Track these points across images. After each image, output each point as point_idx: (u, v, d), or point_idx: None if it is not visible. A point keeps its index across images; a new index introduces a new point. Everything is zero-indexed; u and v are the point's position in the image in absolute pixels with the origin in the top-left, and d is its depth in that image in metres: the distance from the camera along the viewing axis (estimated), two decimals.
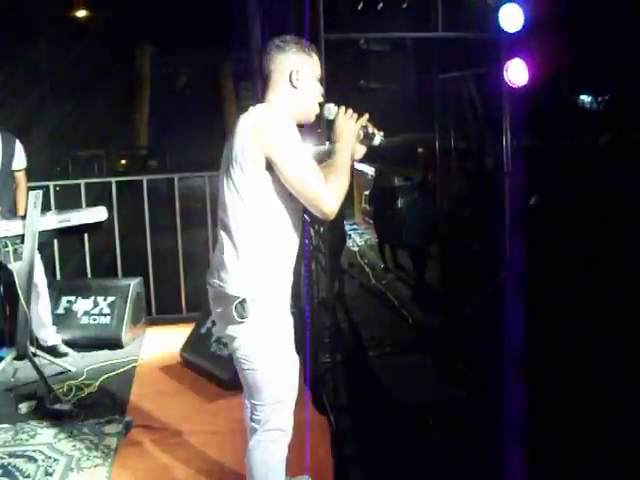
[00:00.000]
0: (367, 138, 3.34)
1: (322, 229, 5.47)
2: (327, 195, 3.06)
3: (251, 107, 3.26)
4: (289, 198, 3.17)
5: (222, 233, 3.24)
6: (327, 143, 3.36)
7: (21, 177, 6.04)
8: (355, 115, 3.25)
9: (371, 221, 11.54)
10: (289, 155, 3.06)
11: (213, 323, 5.73)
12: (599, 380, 5.20)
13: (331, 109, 3.28)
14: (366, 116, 3.28)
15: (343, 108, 3.26)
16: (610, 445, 4.37)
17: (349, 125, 3.23)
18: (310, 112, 3.34)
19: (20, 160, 6.01)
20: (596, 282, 7.06)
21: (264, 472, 3.40)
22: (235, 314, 3.17)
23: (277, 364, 3.31)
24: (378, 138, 3.35)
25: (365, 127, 3.31)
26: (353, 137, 3.25)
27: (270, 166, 3.08)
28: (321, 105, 3.34)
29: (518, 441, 3.89)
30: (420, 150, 12.18)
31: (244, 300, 3.16)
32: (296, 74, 3.23)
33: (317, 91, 3.32)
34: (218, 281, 3.25)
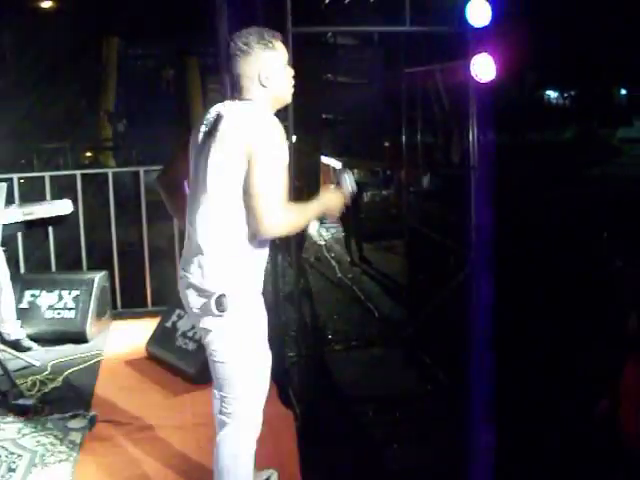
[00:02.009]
0: (342, 182, 3.45)
1: None
2: (278, 218, 3.10)
3: (228, 101, 3.33)
4: None
5: (196, 226, 3.26)
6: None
7: None
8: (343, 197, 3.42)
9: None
10: (268, 168, 3.08)
11: (179, 317, 5.72)
12: (568, 372, 5.25)
13: (348, 181, 3.45)
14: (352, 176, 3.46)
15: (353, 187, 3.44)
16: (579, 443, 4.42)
17: (338, 201, 3.40)
18: (284, 100, 3.41)
19: None
20: (562, 272, 7.13)
21: (233, 465, 3.41)
22: (213, 308, 3.19)
23: (250, 358, 3.34)
24: (350, 188, 3.47)
25: (347, 174, 3.47)
26: (334, 211, 3.41)
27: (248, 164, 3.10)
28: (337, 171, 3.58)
29: (485, 434, 3.91)
30: (387, 144, 12.18)
31: (223, 295, 3.18)
32: (265, 73, 3.25)
33: (287, 77, 3.36)
34: (195, 275, 3.26)
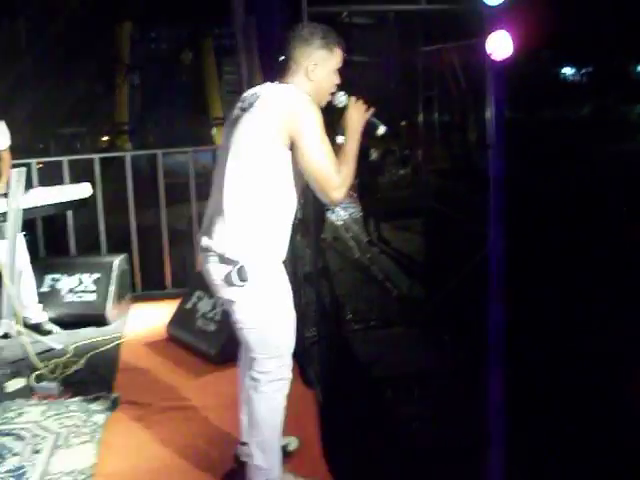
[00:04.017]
0: (372, 128, 3.53)
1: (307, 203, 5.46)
2: (338, 185, 3.28)
3: (267, 83, 3.47)
4: (299, 174, 3.35)
5: (223, 200, 3.35)
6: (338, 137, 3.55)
7: (5, 155, 6.07)
8: (364, 106, 3.47)
9: (355, 194, 11.52)
10: (315, 142, 3.25)
11: (199, 298, 5.74)
12: (577, 350, 5.25)
13: (341, 98, 3.49)
14: (371, 110, 3.49)
15: (353, 98, 3.47)
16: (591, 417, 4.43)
17: (359, 114, 3.45)
18: (320, 100, 3.48)
19: (4, 140, 6.04)
20: (578, 252, 7.11)
21: (271, 419, 3.58)
22: (235, 279, 3.30)
23: (279, 320, 3.48)
24: (382, 128, 3.56)
25: (371, 118, 3.51)
26: (361, 126, 3.46)
27: (290, 145, 3.26)
28: (332, 93, 3.52)
29: (501, 411, 3.91)
30: (404, 123, 12.15)
31: (243, 265, 3.29)
32: (313, 68, 3.41)
33: (331, 83, 3.48)
34: (216, 242, 3.36)
